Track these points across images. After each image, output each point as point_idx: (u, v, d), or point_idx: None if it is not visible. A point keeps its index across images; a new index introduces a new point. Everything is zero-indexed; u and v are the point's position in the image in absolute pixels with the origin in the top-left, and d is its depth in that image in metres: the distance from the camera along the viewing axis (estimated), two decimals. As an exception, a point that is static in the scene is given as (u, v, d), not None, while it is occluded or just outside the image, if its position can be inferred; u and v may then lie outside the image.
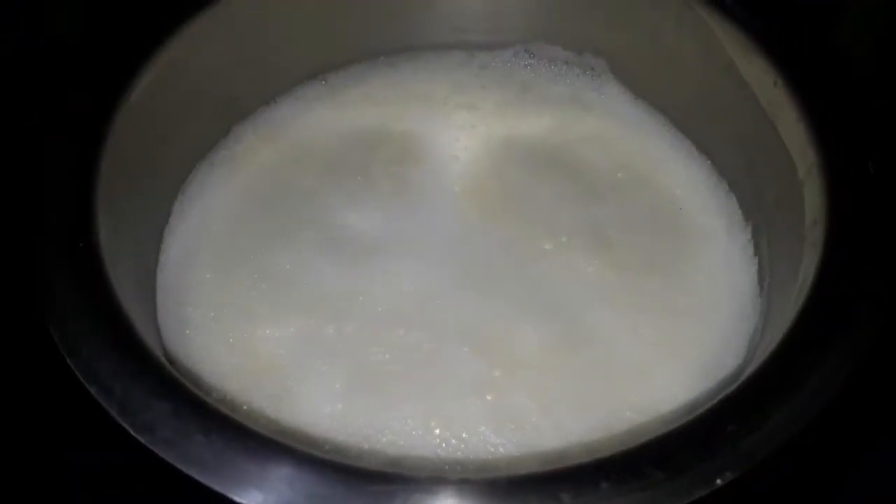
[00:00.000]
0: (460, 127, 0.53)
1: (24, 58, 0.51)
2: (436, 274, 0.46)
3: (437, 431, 0.40)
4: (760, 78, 0.44)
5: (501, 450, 0.40)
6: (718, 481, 0.30)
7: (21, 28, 0.55)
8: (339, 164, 0.51)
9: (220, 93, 0.50)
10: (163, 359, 0.35)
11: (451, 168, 0.51)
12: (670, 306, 0.46)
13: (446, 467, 0.39)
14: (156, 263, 0.46)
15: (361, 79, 0.55)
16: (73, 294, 0.36)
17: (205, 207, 0.49)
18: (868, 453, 0.46)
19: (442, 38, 0.55)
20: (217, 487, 0.30)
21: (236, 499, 0.30)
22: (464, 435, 0.40)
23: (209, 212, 0.49)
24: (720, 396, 0.33)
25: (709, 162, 0.51)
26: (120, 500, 0.45)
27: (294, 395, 0.42)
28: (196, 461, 0.31)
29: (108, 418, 0.32)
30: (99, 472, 0.45)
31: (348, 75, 0.55)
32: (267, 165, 0.51)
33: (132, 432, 0.31)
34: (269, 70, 0.52)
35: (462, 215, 0.49)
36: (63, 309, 0.35)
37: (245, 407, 0.41)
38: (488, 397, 0.42)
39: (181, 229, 0.48)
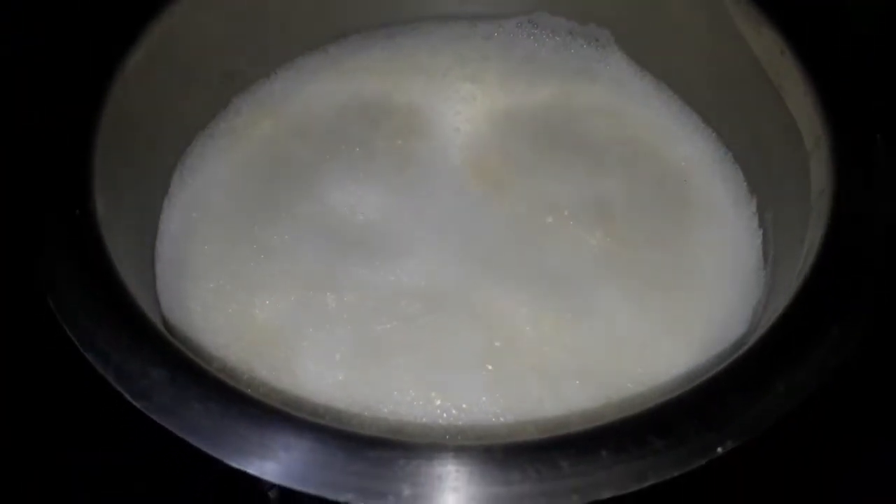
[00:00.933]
0: (462, 99, 0.53)
1: (24, 58, 0.51)
2: (437, 246, 0.46)
3: (438, 402, 0.40)
4: (767, 48, 0.44)
5: (502, 419, 0.40)
6: (719, 450, 0.30)
7: (21, 28, 0.55)
8: (340, 136, 0.51)
9: (220, 64, 0.50)
10: (161, 327, 0.35)
11: (452, 140, 0.51)
12: (674, 279, 0.45)
13: (447, 436, 0.39)
14: (155, 234, 0.46)
15: (362, 50, 0.54)
16: (71, 263, 0.35)
17: (205, 179, 0.49)
18: (868, 453, 0.46)
19: (444, 8, 0.54)
20: (215, 454, 0.30)
21: (234, 465, 0.30)
22: (464, 405, 0.40)
23: (209, 183, 0.48)
24: (721, 366, 0.33)
25: (715, 134, 0.51)
26: (120, 500, 0.45)
27: (295, 365, 0.42)
28: (194, 428, 0.31)
29: (107, 419, 0.32)
30: (99, 472, 0.45)
31: (349, 46, 0.54)
32: (267, 138, 0.51)
33: (129, 399, 0.31)
34: (269, 41, 0.52)
35: (464, 188, 0.49)
36: (60, 278, 0.35)
37: (245, 377, 0.41)
38: (489, 367, 0.41)
39: (181, 200, 0.48)
